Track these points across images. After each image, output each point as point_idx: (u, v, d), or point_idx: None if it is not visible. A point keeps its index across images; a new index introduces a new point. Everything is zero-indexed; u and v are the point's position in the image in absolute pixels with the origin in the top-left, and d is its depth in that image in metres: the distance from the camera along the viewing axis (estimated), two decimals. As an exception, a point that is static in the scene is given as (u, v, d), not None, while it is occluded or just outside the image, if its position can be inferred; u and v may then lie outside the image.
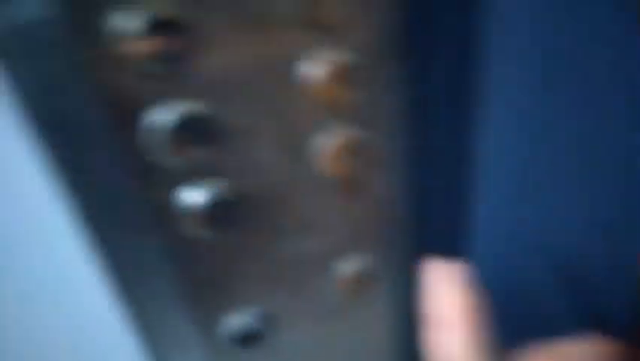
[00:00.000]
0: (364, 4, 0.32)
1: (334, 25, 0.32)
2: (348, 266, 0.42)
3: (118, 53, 0.26)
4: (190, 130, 0.30)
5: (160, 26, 0.26)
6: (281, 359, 0.42)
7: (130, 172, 0.30)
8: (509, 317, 0.38)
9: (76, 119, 0.27)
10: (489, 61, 0.37)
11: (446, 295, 0.24)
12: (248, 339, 0.40)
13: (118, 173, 0.30)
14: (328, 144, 0.35)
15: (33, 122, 0.27)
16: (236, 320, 0.38)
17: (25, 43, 0.24)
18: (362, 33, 0.34)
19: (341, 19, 0.32)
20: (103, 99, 0.27)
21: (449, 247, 0.50)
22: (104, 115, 0.27)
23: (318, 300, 0.42)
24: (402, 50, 0.36)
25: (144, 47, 0.26)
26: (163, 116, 0.29)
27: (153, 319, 0.36)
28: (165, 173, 0.31)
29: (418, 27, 0.36)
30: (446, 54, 0.39)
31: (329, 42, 0.32)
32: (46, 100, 0.27)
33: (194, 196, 0.32)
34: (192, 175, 0.32)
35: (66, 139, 0.28)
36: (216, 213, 0.33)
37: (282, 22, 0.30)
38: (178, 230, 0.33)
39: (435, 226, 0.49)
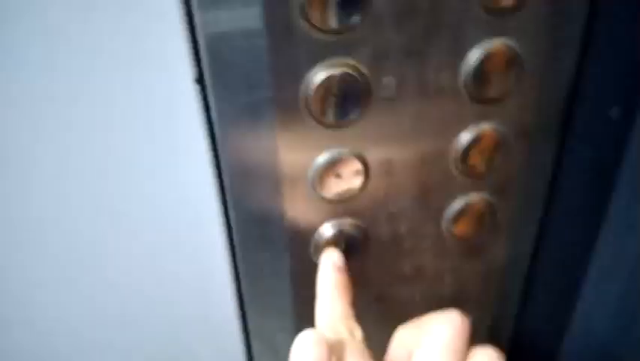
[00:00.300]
0: (525, 85, 0.33)
1: (495, 100, 0.33)
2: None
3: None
4: (345, 174, 0.33)
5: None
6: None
7: (285, 203, 0.33)
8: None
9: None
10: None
11: (325, 274, 0.32)
12: None
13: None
14: (463, 209, 0.37)
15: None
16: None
17: (232, 48, 0.27)
18: (518, 110, 0.35)
19: (502, 95, 0.33)
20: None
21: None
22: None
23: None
24: (551, 129, 0.37)
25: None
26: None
27: (262, 324, 0.40)
28: (314, 206, 0.34)
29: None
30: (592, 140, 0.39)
31: (486, 115, 0.34)
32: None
33: (327, 229, 0.35)
34: (335, 213, 0.35)
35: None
36: (340, 245, 0.36)
37: (449, 94, 0.32)
38: (307, 255, 0.36)
39: (540, 303, 0.48)
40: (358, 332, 0.30)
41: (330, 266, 0.33)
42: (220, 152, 0.31)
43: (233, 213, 0.33)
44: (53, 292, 0.36)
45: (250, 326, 0.40)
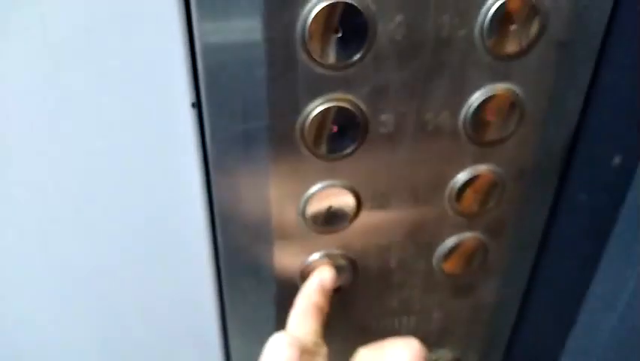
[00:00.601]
0: (526, 129, 0.33)
1: (494, 142, 0.33)
2: (434, 358, 0.43)
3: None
4: (337, 207, 0.32)
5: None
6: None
7: (275, 231, 0.33)
8: None
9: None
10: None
11: (309, 290, 0.33)
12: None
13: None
14: (455, 247, 0.36)
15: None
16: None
17: (231, 76, 0.27)
18: (517, 153, 0.34)
19: (502, 138, 0.33)
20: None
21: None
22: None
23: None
24: (549, 174, 0.36)
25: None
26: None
27: (245, 351, 0.39)
28: (303, 236, 0.33)
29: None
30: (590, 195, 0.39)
31: (484, 156, 0.33)
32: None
33: (316, 259, 0.35)
34: (324, 244, 0.34)
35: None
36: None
37: (448, 134, 0.32)
38: (294, 284, 0.36)
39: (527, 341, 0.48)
40: (324, 350, 0.31)
41: (316, 285, 0.33)
42: (212, 179, 0.31)
43: (221, 240, 0.33)
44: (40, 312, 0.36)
45: (233, 352, 0.39)
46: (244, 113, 0.29)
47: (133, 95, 0.28)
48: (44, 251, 0.33)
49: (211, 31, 0.26)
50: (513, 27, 0.28)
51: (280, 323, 0.36)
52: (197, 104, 0.29)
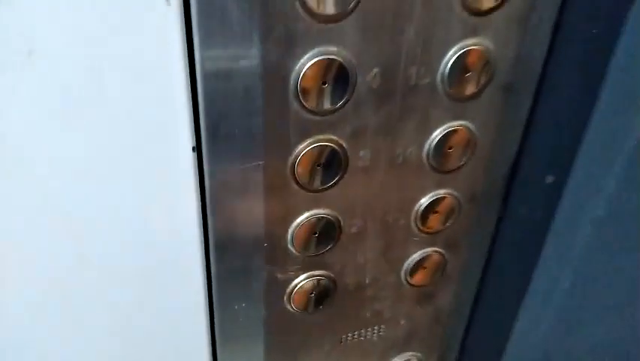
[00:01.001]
0: (477, 158, 0.38)
1: (452, 171, 0.38)
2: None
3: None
4: (321, 232, 0.36)
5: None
6: None
7: (266, 258, 0.36)
8: None
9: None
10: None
11: None
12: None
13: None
14: (420, 261, 0.41)
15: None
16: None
17: (231, 123, 0.30)
18: (470, 178, 0.40)
19: (458, 166, 0.38)
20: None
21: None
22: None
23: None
24: (495, 194, 0.42)
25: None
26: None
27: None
28: (291, 260, 0.37)
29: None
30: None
31: (444, 182, 0.39)
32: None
33: (306, 282, 0.38)
34: (309, 266, 0.38)
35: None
36: (317, 296, 0.40)
37: (414, 165, 0.36)
38: (282, 305, 0.39)
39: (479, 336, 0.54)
40: None
41: None
42: (209, 210, 0.34)
43: (215, 267, 0.36)
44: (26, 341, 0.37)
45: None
46: (242, 155, 0.32)
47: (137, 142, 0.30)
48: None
49: (213, 90, 0.29)
50: (468, 75, 0.34)
51: (268, 343, 0.40)
52: (197, 148, 0.32)
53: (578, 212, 0.41)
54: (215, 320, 0.39)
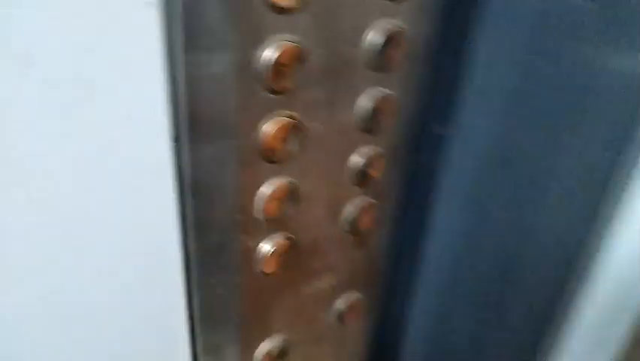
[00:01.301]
0: (397, 117, 0.47)
1: (378, 131, 0.46)
2: (344, 302, 0.55)
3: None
4: (285, 198, 0.42)
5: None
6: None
7: (240, 229, 0.41)
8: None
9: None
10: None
11: None
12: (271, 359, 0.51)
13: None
14: (357, 211, 0.49)
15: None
16: (268, 345, 0.50)
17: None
18: (392, 137, 0.48)
19: (384, 127, 0.46)
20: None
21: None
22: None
23: (321, 328, 0.55)
24: (408, 149, 0.52)
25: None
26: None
27: (213, 337, 0.46)
28: (256, 226, 0.42)
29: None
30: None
31: (372, 141, 0.46)
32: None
33: (270, 245, 0.44)
34: (272, 229, 0.43)
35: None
36: (283, 257, 0.45)
37: (348, 127, 0.44)
38: (254, 270, 0.44)
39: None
40: None
41: None
42: (187, 192, 0.37)
43: (193, 243, 0.39)
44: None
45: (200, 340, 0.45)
46: (216, 137, 0.36)
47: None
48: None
49: (191, 81, 0.33)
50: (389, 50, 0.41)
51: (245, 309, 0.44)
52: (177, 139, 0.35)
53: (464, 156, 0.52)
54: (194, 296, 0.42)
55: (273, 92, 0.37)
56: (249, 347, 0.49)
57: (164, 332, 0.43)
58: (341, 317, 0.55)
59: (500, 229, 0.57)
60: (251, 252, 0.43)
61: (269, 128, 0.38)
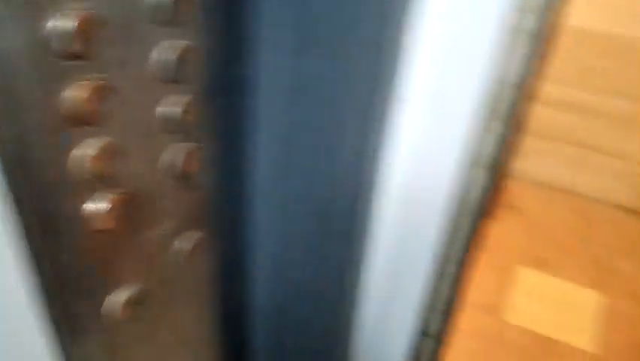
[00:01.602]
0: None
1: (181, 82, 0.50)
2: (186, 242, 0.60)
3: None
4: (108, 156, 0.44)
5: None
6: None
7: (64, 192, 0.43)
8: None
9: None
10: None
11: None
12: (129, 308, 0.54)
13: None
14: (181, 156, 0.53)
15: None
16: (122, 295, 0.53)
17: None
18: (196, 84, 0.53)
19: (189, 80, 0.50)
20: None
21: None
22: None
23: (170, 272, 0.59)
24: (221, 91, 0.57)
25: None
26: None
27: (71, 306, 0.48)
28: (83, 188, 0.44)
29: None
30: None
31: (174, 91, 0.50)
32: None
33: (101, 203, 0.46)
34: (102, 187, 0.46)
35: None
36: (115, 212, 0.48)
37: (147, 79, 0.47)
38: (86, 228, 0.46)
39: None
40: None
41: None
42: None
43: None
44: None
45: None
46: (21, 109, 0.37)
47: None
48: None
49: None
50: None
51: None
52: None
53: (268, 91, 0.59)
54: (47, 277, 0.44)
55: (72, 58, 0.38)
56: (101, 300, 0.51)
57: (18, 308, 0.45)
58: (186, 256, 0.60)
59: (308, 153, 0.66)
60: (84, 213, 0.45)
61: (72, 93, 0.40)
